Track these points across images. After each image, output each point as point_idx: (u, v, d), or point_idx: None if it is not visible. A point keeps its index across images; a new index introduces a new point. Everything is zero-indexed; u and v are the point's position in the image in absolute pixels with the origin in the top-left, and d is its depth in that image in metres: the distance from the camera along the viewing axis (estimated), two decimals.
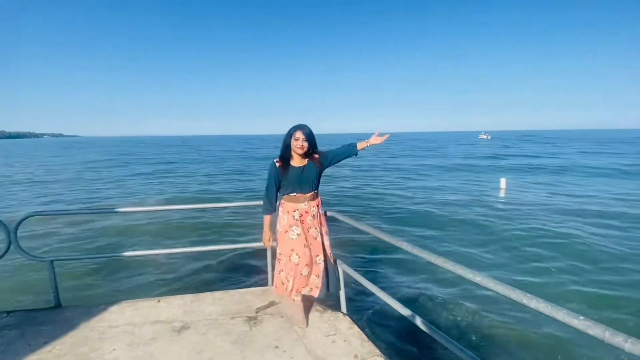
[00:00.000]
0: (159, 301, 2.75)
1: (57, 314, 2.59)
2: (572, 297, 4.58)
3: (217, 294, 2.86)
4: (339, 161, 2.38)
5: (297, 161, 2.26)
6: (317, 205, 2.32)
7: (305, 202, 2.27)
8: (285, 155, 2.26)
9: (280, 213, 2.34)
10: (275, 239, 2.42)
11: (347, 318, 2.45)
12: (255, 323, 2.41)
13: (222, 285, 4.38)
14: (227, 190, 14.60)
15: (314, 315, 2.50)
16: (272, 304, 2.68)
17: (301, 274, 2.25)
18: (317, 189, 2.33)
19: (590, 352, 3.42)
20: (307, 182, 2.26)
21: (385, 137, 2.37)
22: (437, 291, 4.68)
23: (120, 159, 33.28)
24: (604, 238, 6.91)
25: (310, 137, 2.21)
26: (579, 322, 0.97)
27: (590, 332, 0.94)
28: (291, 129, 2.23)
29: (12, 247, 2.57)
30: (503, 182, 13.40)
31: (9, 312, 2.61)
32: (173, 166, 25.70)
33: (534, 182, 15.07)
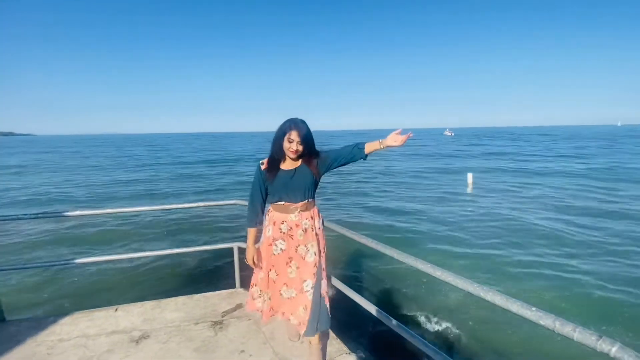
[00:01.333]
0: (116, 310, 2.58)
1: (1, 329, 2.36)
2: None
3: (181, 299, 2.73)
4: (341, 166, 1.91)
5: (287, 163, 1.87)
6: (312, 218, 1.87)
7: (296, 214, 1.84)
8: (275, 156, 1.85)
9: (266, 222, 1.95)
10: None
11: None
12: (220, 328, 2.32)
13: (187, 290, 4.20)
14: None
15: None
16: (238, 306, 2.60)
17: (280, 294, 1.87)
18: (311, 197, 1.89)
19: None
20: (298, 189, 1.84)
21: (407, 137, 1.79)
22: (405, 288, 4.79)
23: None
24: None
25: (307, 139, 1.77)
26: (532, 313, 0.99)
27: (542, 322, 0.96)
28: (284, 124, 1.79)
29: None
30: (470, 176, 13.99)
31: None
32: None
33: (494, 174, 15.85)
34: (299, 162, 1.85)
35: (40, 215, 2.72)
